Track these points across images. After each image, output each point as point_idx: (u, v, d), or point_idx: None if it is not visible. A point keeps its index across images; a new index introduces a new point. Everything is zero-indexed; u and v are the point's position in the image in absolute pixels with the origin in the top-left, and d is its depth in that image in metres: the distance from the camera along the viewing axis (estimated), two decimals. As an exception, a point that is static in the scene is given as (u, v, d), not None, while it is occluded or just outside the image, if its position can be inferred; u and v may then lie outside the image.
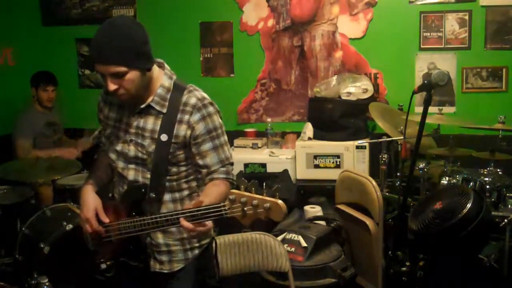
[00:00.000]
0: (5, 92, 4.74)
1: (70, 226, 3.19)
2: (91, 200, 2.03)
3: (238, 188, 1.70)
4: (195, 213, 1.74)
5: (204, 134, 1.96)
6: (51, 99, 4.32)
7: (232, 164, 2.04)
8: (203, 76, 4.78)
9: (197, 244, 2.09)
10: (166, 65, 2.04)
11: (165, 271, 2.05)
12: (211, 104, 1.99)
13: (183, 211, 1.79)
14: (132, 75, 1.84)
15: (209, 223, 1.79)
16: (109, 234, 2.00)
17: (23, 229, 3.29)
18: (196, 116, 1.94)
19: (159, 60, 2.01)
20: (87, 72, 5.06)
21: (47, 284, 2.89)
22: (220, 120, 2.02)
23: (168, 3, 4.76)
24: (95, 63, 1.86)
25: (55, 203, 3.60)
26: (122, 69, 1.82)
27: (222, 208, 1.69)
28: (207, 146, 1.97)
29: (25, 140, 4.19)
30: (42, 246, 3.12)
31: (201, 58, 4.79)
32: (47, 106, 4.34)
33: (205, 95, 2.01)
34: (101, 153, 2.21)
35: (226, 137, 2.04)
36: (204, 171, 2.00)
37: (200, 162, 1.99)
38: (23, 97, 4.61)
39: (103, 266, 2.01)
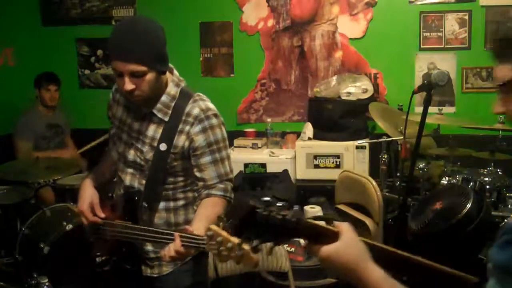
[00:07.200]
0: (5, 92, 4.74)
1: (70, 226, 3.18)
2: (88, 193, 2.02)
3: (217, 224, 1.69)
4: (194, 239, 1.73)
5: (203, 147, 1.92)
6: (53, 99, 4.32)
7: (231, 180, 1.99)
8: (203, 76, 4.78)
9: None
10: (175, 71, 1.99)
11: (155, 275, 2.04)
12: (214, 115, 1.94)
13: (171, 233, 1.78)
14: (150, 76, 1.80)
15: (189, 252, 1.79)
16: (103, 232, 2.00)
17: (23, 229, 3.29)
18: (196, 128, 1.90)
19: (169, 65, 1.97)
20: (87, 72, 5.06)
21: (47, 284, 2.89)
22: (224, 133, 1.97)
23: (168, 3, 4.76)
24: (114, 60, 1.79)
25: (55, 203, 3.60)
26: (143, 68, 1.78)
27: (201, 243, 1.66)
28: (206, 159, 1.93)
29: (24, 142, 4.20)
30: (42, 246, 3.12)
31: (201, 58, 4.79)
32: (50, 106, 4.35)
33: (211, 105, 1.96)
34: (109, 150, 2.21)
35: (228, 151, 1.99)
36: (201, 184, 1.95)
37: (198, 174, 1.94)
38: (23, 97, 4.61)
39: (98, 260, 2.01)
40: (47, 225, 3.29)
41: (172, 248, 1.73)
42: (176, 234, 1.76)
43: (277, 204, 1.07)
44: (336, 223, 1.16)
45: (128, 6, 4.86)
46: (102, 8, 4.93)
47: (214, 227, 1.57)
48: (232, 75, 4.76)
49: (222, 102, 4.54)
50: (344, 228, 1.15)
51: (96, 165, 2.22)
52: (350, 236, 1.14)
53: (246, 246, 1.51)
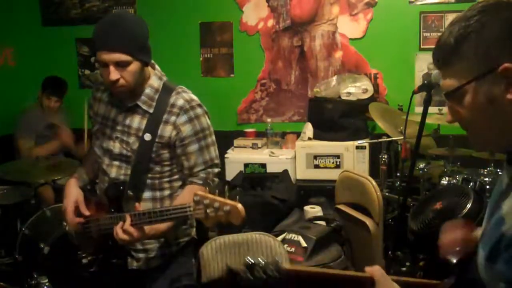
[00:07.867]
0: (5, 92, 4.74)
1: (70, 226, 3.18)
2: (72, 192, 2.06)
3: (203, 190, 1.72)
4: (164, 211, 1.78)
5: (191, 136, 1.96)
6: (51, 108, 4.29)
7: (216, 165, 2.04)
8: (203, 76, 4.78)
9: (174, 241, 2.10)
10: (157, 66, 2.05)
11: (142, 269, 2.06)
12: (199, 105, 1.99)
13: (154, 210, 1.82)
14: (135, 66, 1.86)
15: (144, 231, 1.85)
16: (89, 230, 2.02)
17: (23, 229, 3.29)
18: (182, 118, 1.94)
19: (151, 61, 2.03)
20: (87, 72, 5.07)
21: (47, 284, 2.90)
22: (208, 121, 2.02)
23: (168, 3, 4.76)
24: (100, 51, 1.85)
25: (55, 203, 3.60)
26: (127, 58, 1.83)
27: (188, 209, 1.71)
28: (193, 147, 1.98)
29: (26, 140, 4.20)
30: (42, 246, 3.12)
31: (201, 58, 4.79)
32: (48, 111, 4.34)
33: (194, 96, 2.01)
34: (91, 149, 2.23)
35: (213, 138, 2.04)
36: (187, 172, 2.01)
37: (185, 163, 2.00)
38: (23, 97, 4.61)
39: (85, 261, 2.03)
40: (47, 225, 3.29)
41: (120, 228, 1.81)
42: (127, 214, 1.82)
43: (260, 265, 1.05)
44: (368, 268, 1.19)
45: (128, 6, 4.86)
46: (102, 8, 4.93)
47: (200, 192, 1.66)
48: (232, 75, 4.76)
49: (222, 102, 4.59)
50: (378, 273, 1.17)
51: (82, 161, 2.25)
52: (385, 279, 1.17)
53: (231, 202, 1.57)
